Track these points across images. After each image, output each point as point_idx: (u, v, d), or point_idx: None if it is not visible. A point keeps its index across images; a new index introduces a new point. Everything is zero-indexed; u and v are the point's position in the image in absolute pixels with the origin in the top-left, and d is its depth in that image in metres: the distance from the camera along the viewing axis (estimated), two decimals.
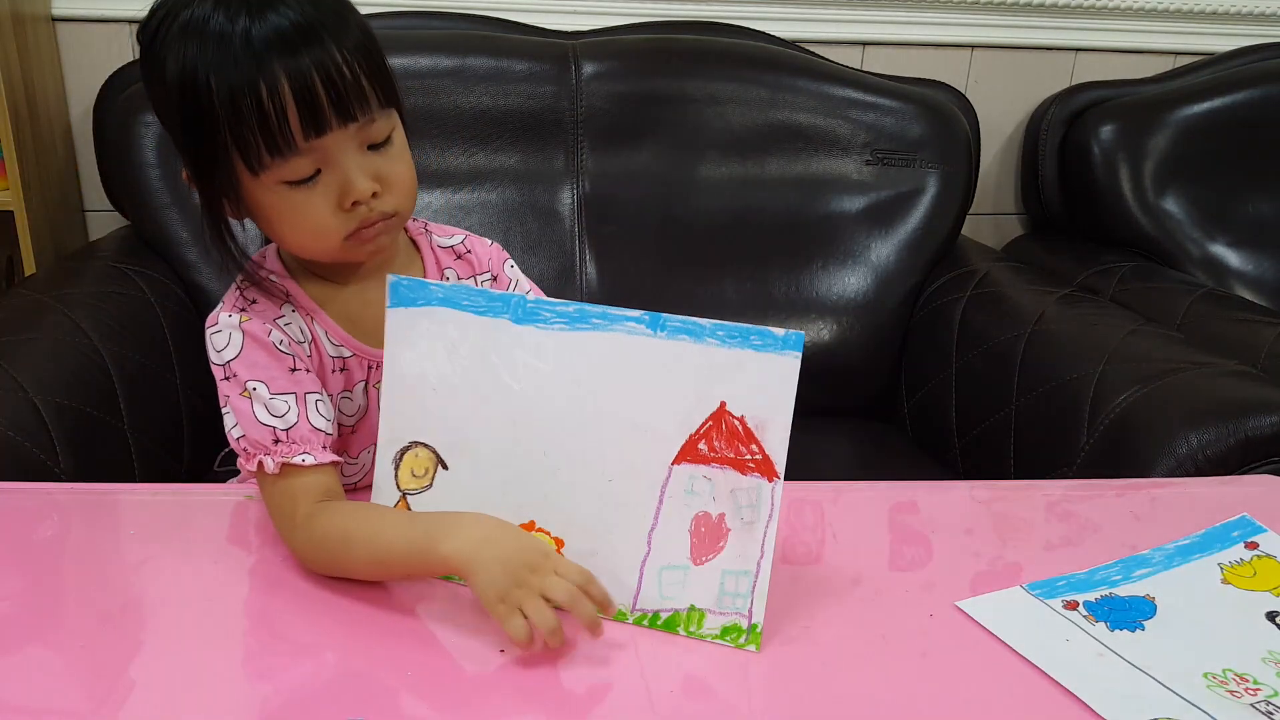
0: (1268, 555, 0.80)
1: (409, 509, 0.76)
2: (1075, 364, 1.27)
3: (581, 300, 1.50)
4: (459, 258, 0.91)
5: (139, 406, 1.17)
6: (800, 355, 0.67)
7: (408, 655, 0.68)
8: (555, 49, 1.56)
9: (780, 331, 0.67)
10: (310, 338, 0.82)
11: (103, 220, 1.69)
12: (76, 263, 1.42)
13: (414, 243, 0.90)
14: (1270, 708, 0.64)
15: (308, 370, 0.80)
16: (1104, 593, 0.75)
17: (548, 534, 0.73)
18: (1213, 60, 1.86)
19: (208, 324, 0.80)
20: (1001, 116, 1.89)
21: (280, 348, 0.79)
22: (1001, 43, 1.84)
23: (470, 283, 0.89)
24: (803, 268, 1.58)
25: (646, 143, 1.57)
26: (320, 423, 0.78)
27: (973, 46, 1.84)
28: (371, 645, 0.70)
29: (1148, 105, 1.77)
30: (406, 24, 1.60)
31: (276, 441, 0.76)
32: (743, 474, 0.69)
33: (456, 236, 0.92)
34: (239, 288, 0.82)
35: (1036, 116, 1.86)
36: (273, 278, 0.82)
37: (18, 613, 0.70)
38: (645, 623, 0.71)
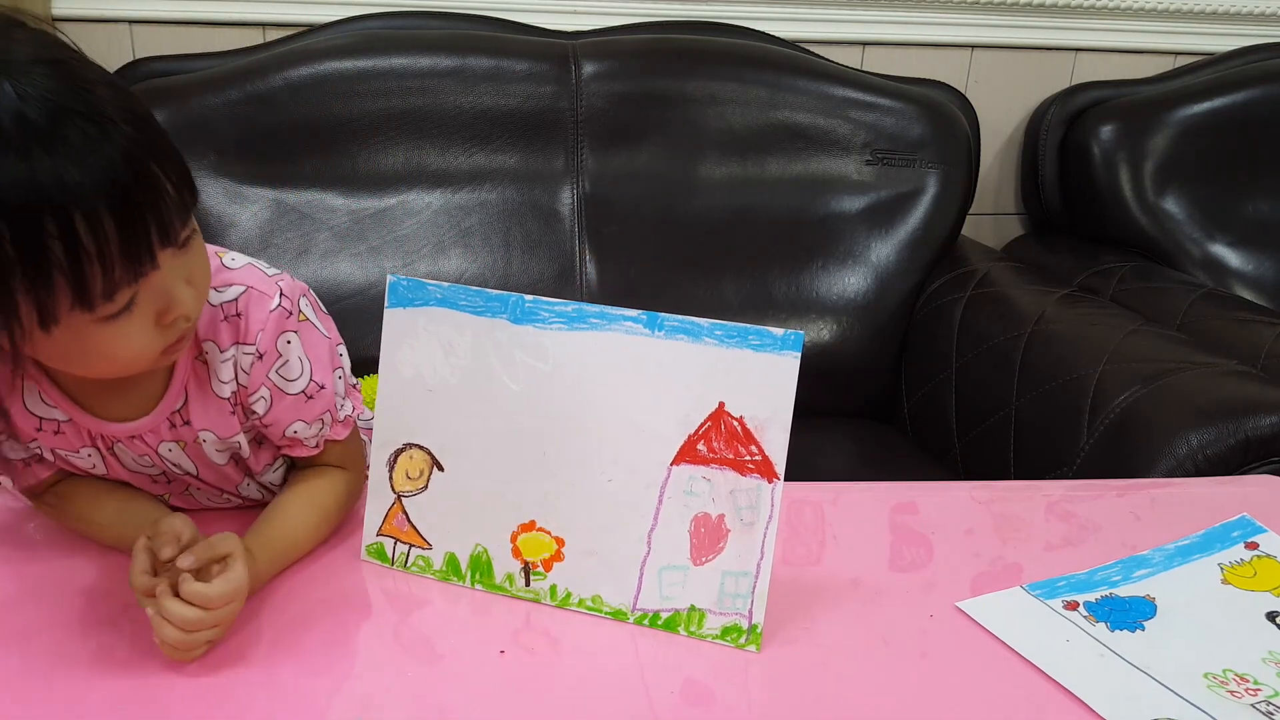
0: (1268, 555, 0.80)
1: (404, 512, 0.76)
2: (1075, 364, 1.27)
3: (581, 300, 1.51)
4: (225, 320, 0.72)
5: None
6: (799, 355, 0.67)
7: (408, 655, 0.68)
8: (555, 49, 1.56)
9: (779, 331, 0.67)
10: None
11: None
12: None
13: None
14: (1270, 708, 0.64)
15: None
16: (1104, 593, 0.75)
17: (548, 533, 0.73)
18: (1213, 60, 1.85)
19: None
20: (1001, 116, 1.89)
21: None
22: (1001, 43, 1.84)
23: (233, 355, 0.73)
24: (803, 268, 1.58)
25: (646, 143, 1.57)
26: (10, 452, 0.75)
27: (973, 46, 1.84)
28: (371, 646, 0.70)
29: (1148, 105, 1.77)
30: (406, 24, 1.60)
31: None
32: (742, 475, 0.68)
33: (233, 289, 0.73)
34: None
35: (1036, 116, 1.86)
36: None
37: (11, 616, 0.70)
38: (645, 622, 0.71)
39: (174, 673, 0.65)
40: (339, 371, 0.78)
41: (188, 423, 0.75)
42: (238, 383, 0.74)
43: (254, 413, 0.75)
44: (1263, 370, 1.23)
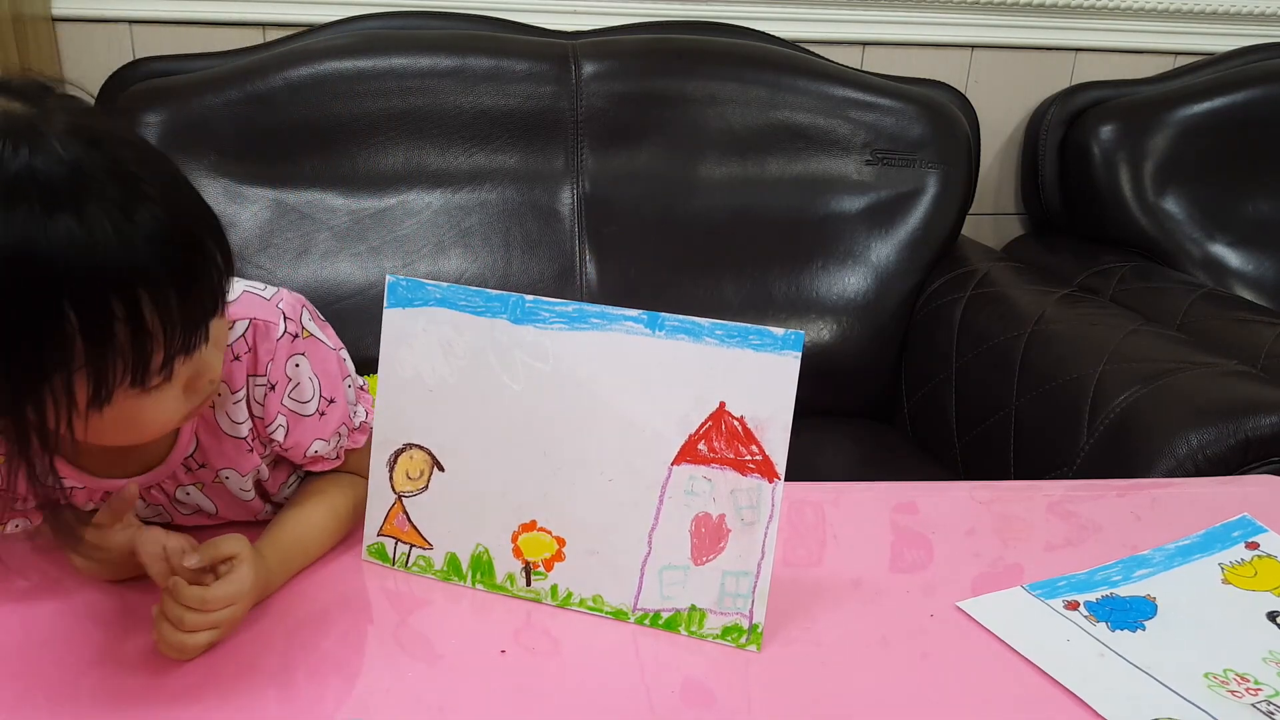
0: (1268, 555, 0.80)
1: (405, 512, 0.76)
2: (1075, 364, 1.27)
3: (581, 300, 1.50)
4: (236, 359, 0.71)
5: None
6: (800, 355, 0.67)
7: (407, 655, 0.68)
8: (555, 49, 1.56)
9: (779, 331, 0.67)
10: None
11: None
12: None
13: None
14: (1271, 708, 0.64)
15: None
16: (1105, 593, 0.75)
17: (549, 533, 0.73)
18: (1213, 60, 1.85)
19: None
20: (1001, 116, 1.89)
21: None
22: (1001, 43, 1.84)
23: (245, 391, 0.72)
24: (803, 268, 1.58)
25: (646, 143, 1.57)
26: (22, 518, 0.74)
27: (973, 46, 1.84)
28: (371, 646, 0.70)
29: (1148, 105, 1.77)
30: (406, 24, 1.60)
31: None
32: (743, 475, 0.68)
33: (239, 325, 0.71)
34: None
35: (1036, 116, 1.86)
36: None
37: (14, 612, 0.70)
38: (646, 622, 0.71)
39: (174, 672, 0.65)
40: (348, 380, 0.78)
41: (204, 465, 0.74)
42: (253, 417, 0.73)
43: (273, 441, 0.74)
44: (1263, 370, 1.23)
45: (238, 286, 0.71)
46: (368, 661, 0.68)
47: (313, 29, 1.57)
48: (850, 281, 1.58)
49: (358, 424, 0.78)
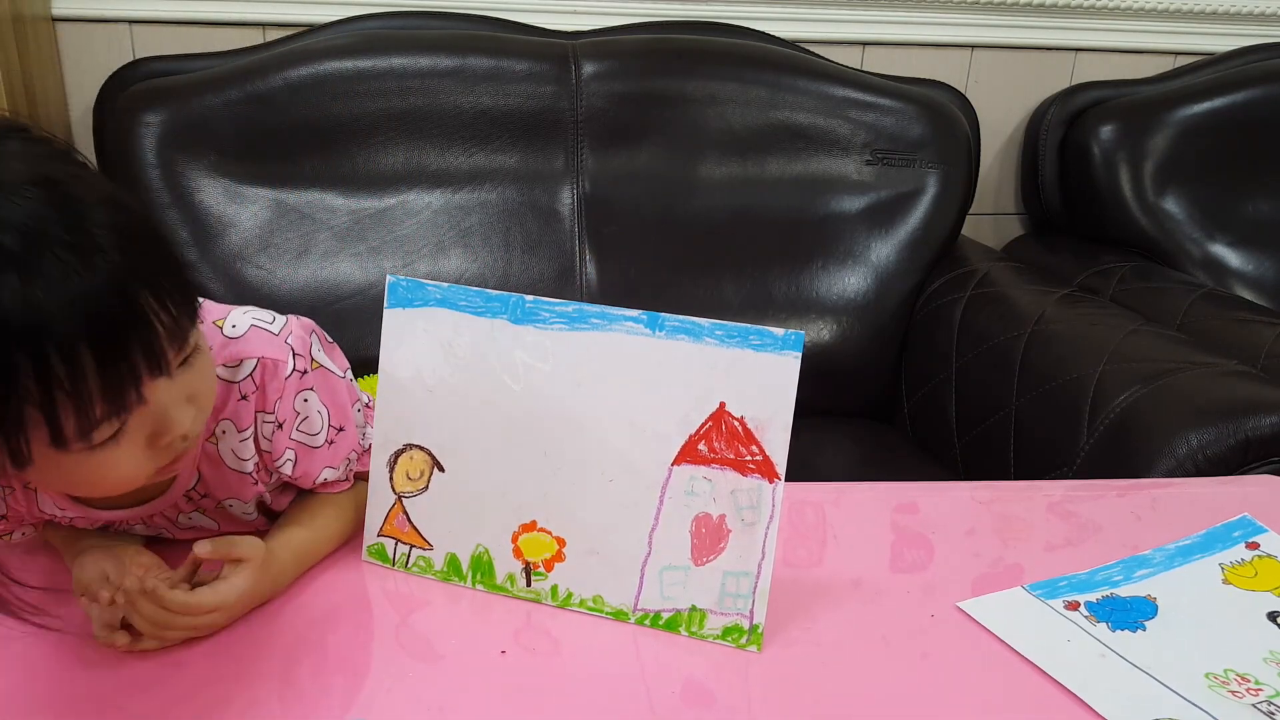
0: (1269, 555, 0.80)
1: (405, 513, 0.76)
2: (1075, 364, 1.27)
3: (581, 301, 1.50)
4: (243, 398, 0.71)
5: None
6: (800, 355, 0.67)
7: (408, 655, 0.68)
8: (555, 49, 1.56)
9: (779, 331, 0.67)
10: (4, 510, 0.72)
11: None
12: None
13: None
14: (1272, 708, 0.64)
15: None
16: (1105, 593, 0.75)
17: (549, 533, 0.73)
18: (1213, 60, 1.86)
19: None
20: (1001, 116, 1.89)
21: None
22: (1001, 43, 1.84)
23: (251, 429, 0.72)
24: (803, 268, 1.58)
25: (646, 143, 1.57)
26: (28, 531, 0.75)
27: (973, 46, 1.84)
28: (372, 646, 0.69)
29: (1148, 105, 1.77)
30: (406, 24, 1.60)
31: None
32: (743, 475, 0.68)
33: (247, 364, 0.70)
34: None
35: (1036, 116, 1.86)
36: None
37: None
38: (647, 622, 0.71)
39: (173, 671, 0.65)
40: (356, 405, 0.77)
41: (206, 496, 0.74)
42: (260, 452, 0.73)
43: (281, 473, 0.74)
44: (1263, 370, 1.23)
45: (244, 320, 0.71)
46: (368, 662, 0.68)
47: (313, 29, 1.57)
48: (850, 281, 1.58)
49: (366, 446, 0.78)
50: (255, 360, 0.70)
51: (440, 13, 1.62)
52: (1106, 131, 1.74)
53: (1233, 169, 1.76)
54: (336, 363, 0.76)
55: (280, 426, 0.72)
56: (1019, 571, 0.79)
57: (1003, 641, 0.70)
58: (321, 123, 1.46)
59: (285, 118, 1.45)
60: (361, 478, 0.79)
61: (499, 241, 1.51)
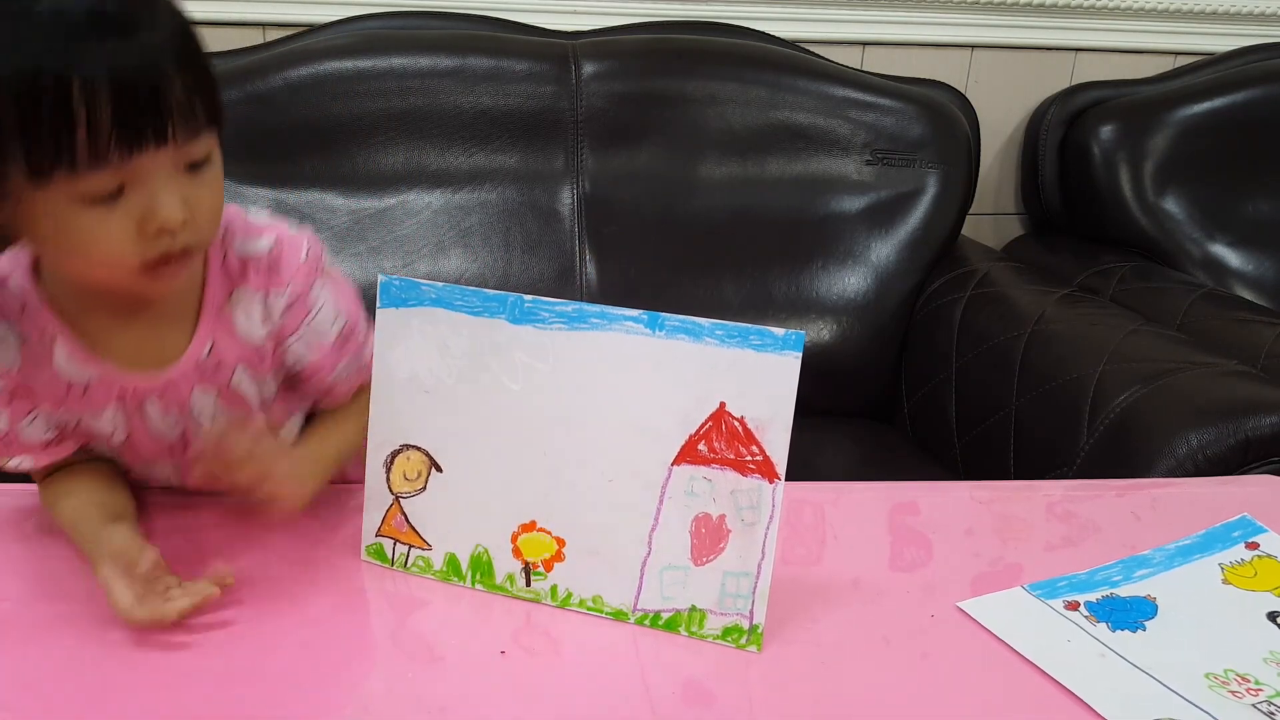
0: (1268, 555, 0.80)
1: (403, 513, 0.76)
2: (1075, 364, 1.27)
3: (581, 300, 1.50)
4: (258, 272, 0.76)
5: None
6: (800, 355, 0.67)
7: (408, 655, 0.68)
8: (555, 49, 1.56)
9: (780, 331, 0.67)
10: (20, 363, 0.73)
11: None
12: None
13: (204, 255, 0.75)
14: (1272, 708, 0.64)
15: (11, 397, 0.74)
16: (1105, 593, 0.75)
17: (549, 533, 0.73)
18: (1213, 60, 1.86)
19: None
20: (1001, 116, 1.89)
21: None
22: (1001, 43, 1.84)
23: (265, 301, 0.76)
24: (803, 268, 1.58)
25: (646, 143, 1.57)
26: (35, 434, 0.76)
27: (973, 46, 1.84)
28: (372, 645, 0.70)
29: (1148, 105, 1.77)
30: (406, 24, 1.59)
31: None
32: (743, 475, 0.68)
33: (264, 240, 0.76)
34: None
35: (1036, 116, 1.86)
36: (10, 285, 0.73)
37: (18, 614, 0.70)
38: (646, 623, 0.71)
39: (176, 671, 0.65)
40: (362, 318, 0.81)
41: (219, 366, 0.77)
42: (272, 324, 0.77)
43: (291, 356, 0.78)
44: (1263, 370, 1.23)
45: (266, 218, 0.78)
46: (368, 662, 0.68)
47: (313, 29, 1.57)
48: (850, 281, 1.58)
49: (366, 360, 0.79)
50: (273, 238, 0.77)
51: (440, 13, 1.62)
52: (1106, 131, 1.74)
53: (1233, 169, 1.76)
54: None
55: (294, 304, 0.77)
56: (1019, 571, 0.79)
57: (1002, 641, 0.70)
58: (321, 123, 1.46)
59: (285, 118, 1.45)
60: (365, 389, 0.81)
61: (499, 241, 1.51)
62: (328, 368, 0.79)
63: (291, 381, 0.82)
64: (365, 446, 0.77)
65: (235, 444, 0.71)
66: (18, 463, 0.78)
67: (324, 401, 0.84)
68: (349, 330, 0.80)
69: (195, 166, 0.66)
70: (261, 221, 0.78)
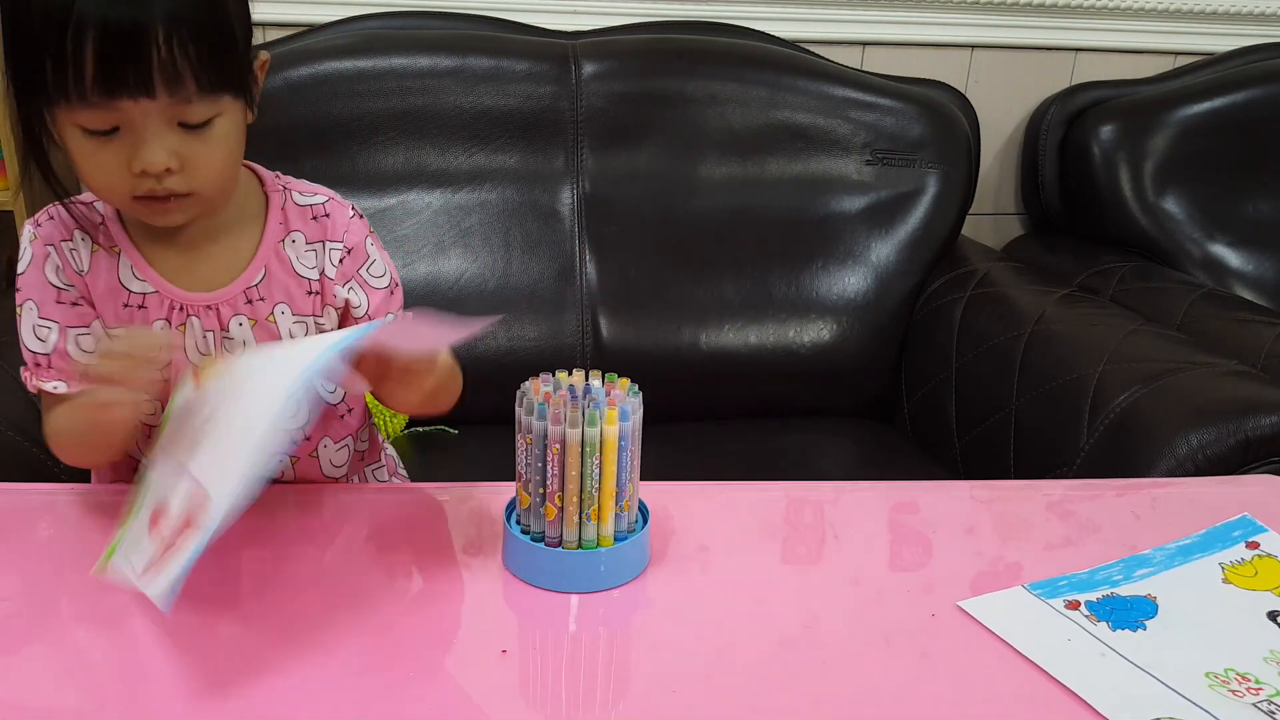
0: (1269, 555, 0.80)
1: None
2: (1075, 364, 1.27)
3: (581, 300, 1.51)
4: (314, 219, 0.86)
5: None
6: None
7: (408, 655, 0.68)
8: (555, 49, 1.56)
9: None
10: (89, 269, 0.81)
11: None
12: None
13: (266, 198, 0.86)
14: (1272, 707, 0.64)
15: (74, 304, 0.82)
16: (1105, 592, 0.75)
17: None
18: (1213, 60, 1.86)
19: None
20: (1001, 116, 1.89)
21: (50, 275, 0.81)
22: (1001, 43, 1.84)
23: (318, 248, 0.85)
24: (803, 268, 1.58)
25: (646, 143, 1.57)
26: (77, 354, 0.81)
27: (973, 46, 1.84)
28: (372, 645, 0.69)
29: (1148, 105, 1.77)
30: (406, 24, 1.60)
31: (36, 365, 0.82)
32: None
33: (318, 197, 0.87)
34: (53, 202, 0.82)
35: (1036, 116, 1.86)
36: (96, 205, 0.82)
37: (18, 613, 0.70)
38: None
39: (175, 671, 0.65)
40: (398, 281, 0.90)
41: (263, 299, 0.84)
42: (322, 272, 0.85)
43: (340, 301, 0.85)
44: (1263, 370, 1.23)
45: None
46: (367, 661, 0.68)
47: (313, 29, 1.57)
48: (850, 281, 1.58)
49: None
50: (326, 197, 0.87)
51: (440, 13, 1.62)
52: (1106, 131, 1.74)
53: (1233, 169, 1.76)
54: None
55: (349, 253, 0.86)
56: (1019, 570, 0.79)
57: (1003, 640, 0.70)
58: (321, 123, 1.46)
59: (285, 118, 1.45)
60: None
61: (499, 241, 1.51)
62: (379, 314, 0.87)
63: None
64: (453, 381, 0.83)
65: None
66: (53, 386, 0.81)
67: None
68: (393, 284, 0.89)
69: (193, 126, 0.73)
70: (315, 185, 0.89)
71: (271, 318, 0.84)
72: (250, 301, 0.83)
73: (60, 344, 0.81)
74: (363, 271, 0.87)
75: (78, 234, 0.81)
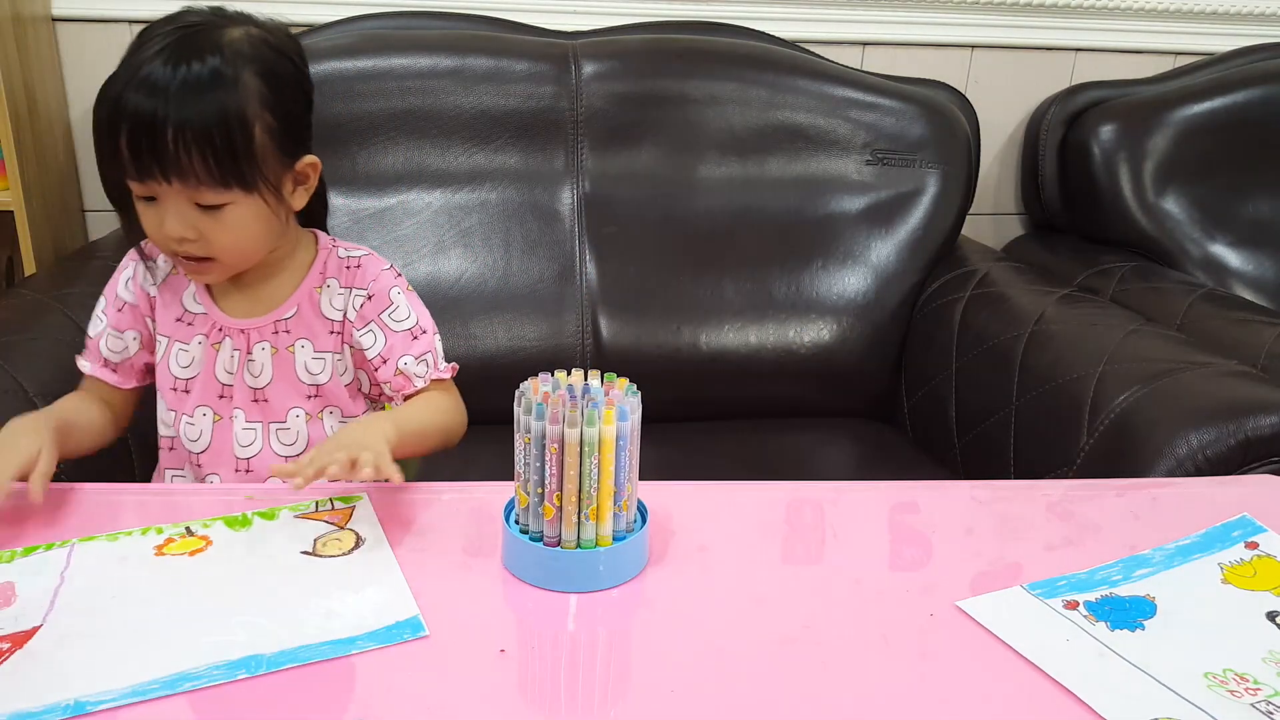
0: (1268, 555, 0.80)
1: None
2: (1075, 364, 1.27)
3: (581, 300, 1.51)
4: (348, 268, 0.98)
5: (139, 407, 1.17)
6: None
7: (408, 655, 0.68)
8: (555, 49, 1.56)
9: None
10: (161, 285, 0.97)
11: (103, 220, 1.69)
12: (76, 263, 1.42)
13: (317, 254, 0.99)
14: (1271, 707, 0.64)
15: (119, 310, 0.98)
16: (1104, 592, 0.75)
17: None
18: (1213, 60, 1.86)
19: None
20: (1001, 116, 1.89)
21: (121, 282, 0.99)
22: (1001, 43, 1.84)
23: (347, 294, 0.97)
24: (803, 268, 1.58)
25: (646, 143, 1.57)
26: (103, 347, 0.98)
27: (973, 46, 1.84)
28: (371, 644, 0.69)
29: (1148, 105, 1.77)
30: (406, 24, 1.60)
31: (85, 346, 0.99)
32: None
33: (358, 251, 0.99)
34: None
35: (1036, 116, 1.86)
36: None
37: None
38: None
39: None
40: (438, 336, 0.98)
41: (288, 331, 0.96)
42: (345, 316, 0.96)
43: (361, 346, 0.96)
44: (1263, 370, 1.23)
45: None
46: (367, 661, 0.68)
47: (313, 29, 1.57)
48: (850, 281, 1.58)
49: (443, 368, 0.97)
50: (366, 252, 0.99)
51: (440, 13, 1.62)
52: (1106, 131, 1.74)
53: (1233, 169, 1.76)
54: None
55: (370, 299, 0.96)
56: (1018, 571, 0.79)
57: (1002, 641, 0.70)
58: (321, 123, 1.45)
59: None
60: (452, 395, 0.98)
61: (499, 241, 1.51)
62: (396, 354, 0.95)
63: (361, 365, 0.99)
64: (432, 429, 0.92)
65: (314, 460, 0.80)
66: (82, 363, 0.99)
67: (394, 387, 0.97)
68: (418, 330, 0.97)
69: (209, 207, 0.86)
70: (363, 245, 1.01)
71: (291, 349, 0.96)
72: (277, 332, 0.96)
73: (99, 334, 0.98)
74: (384, 315, 0.96)
75: (161, 259, 0.97)
